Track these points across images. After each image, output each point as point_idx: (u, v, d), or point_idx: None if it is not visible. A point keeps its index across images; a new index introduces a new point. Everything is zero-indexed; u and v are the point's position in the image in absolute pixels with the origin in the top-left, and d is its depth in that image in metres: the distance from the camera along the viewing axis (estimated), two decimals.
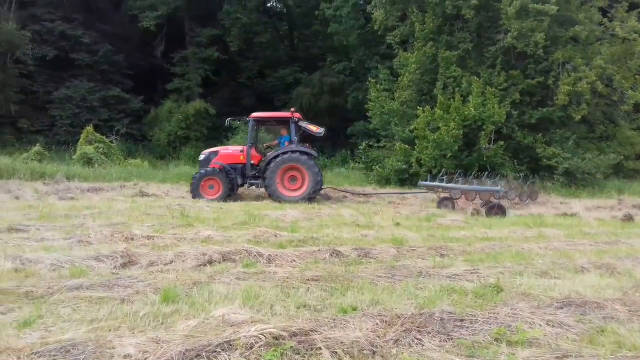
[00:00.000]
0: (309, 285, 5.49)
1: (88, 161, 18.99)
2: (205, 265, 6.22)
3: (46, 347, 3.48)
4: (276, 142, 15.50)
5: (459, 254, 7.57)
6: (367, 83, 23.84)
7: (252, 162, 14.47)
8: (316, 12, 31.17)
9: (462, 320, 4.39)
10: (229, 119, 16.35)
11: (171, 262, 6.29)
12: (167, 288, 4.97)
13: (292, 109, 15.32)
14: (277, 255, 6.79)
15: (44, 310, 4.39)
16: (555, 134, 20.51)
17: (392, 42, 23.82)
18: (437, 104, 19.48)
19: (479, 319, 4.44)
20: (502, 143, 19.46)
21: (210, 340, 3.70)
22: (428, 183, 15.00)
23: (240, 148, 14.88)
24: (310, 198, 14.01)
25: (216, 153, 14.64)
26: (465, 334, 4.15)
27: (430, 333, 4.09)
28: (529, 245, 8.41)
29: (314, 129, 14.72)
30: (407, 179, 19.63)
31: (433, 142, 18.68)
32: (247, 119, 14.88)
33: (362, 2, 30.21)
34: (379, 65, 26.24)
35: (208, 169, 14.08)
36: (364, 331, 4.02)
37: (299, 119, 14.72)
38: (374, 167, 20.69)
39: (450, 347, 3.93)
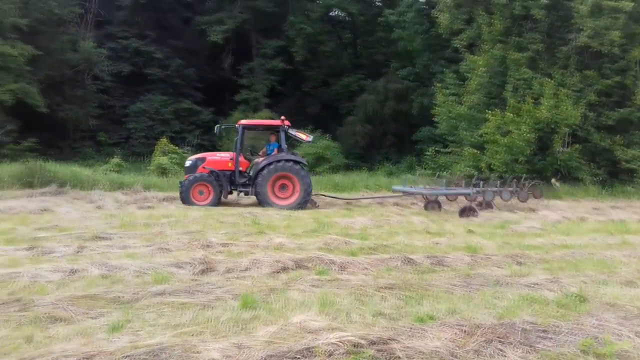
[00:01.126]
0: (383, 293, 5.47)
1: (163, 171, 19.77)
2: (279, 272, 6.33)
3: (136, 350, 3.64)
4: (264, 149, 15.12)
5: (537, 262, 7.32)
6: (432, 88, 23.53)
7: (240, 168, 14.17)
8: (379, 19, 31.15)
9: (545, 331, 4.25)
10: (217, 125, 15.89)
11: (247, 269, 6.43)
12: (245, 294, 5.09)
13: (282, 117, 15.02)
14: (349, 262, 6.81)
15: (131, 315, 4.60)
16: (635, 135, 19.46)
17: (458, 45, 23.40)
18: (508, 107, 18.95)
19: (563, 329, 4.27)
20: (577, 146, 18.66)
21: (290, 347, 3.76)
22: (401, 188, 14.84)
23: (227, 155, 14.59)
24: (300, 206, 13.84)
25: (203, 159, 14.35)
26: (549, 345, 4.01)
27: (512, 344, 3.97)
28: (612, 253, 8.02)
29: (304, 136, 14.72)
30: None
31: (504, 146, 18.18)
32: (236, 126, 14.59)
33: (425, 7, 29.92)
34: (444, 69, 25.84)
35: (197, 174, 13.83)
36: (442, 340, 3.97)
37: (289, 127, 14.56)
38: (441, 173, 20.37)
39: (534, 358, 3.80)
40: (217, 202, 13.65)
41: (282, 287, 5.55)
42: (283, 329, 4.18)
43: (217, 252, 7.38)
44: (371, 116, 29.22)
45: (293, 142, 15.38)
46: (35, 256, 6.87)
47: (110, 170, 20.01)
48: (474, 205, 13.40)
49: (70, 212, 11.81)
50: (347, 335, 3.89)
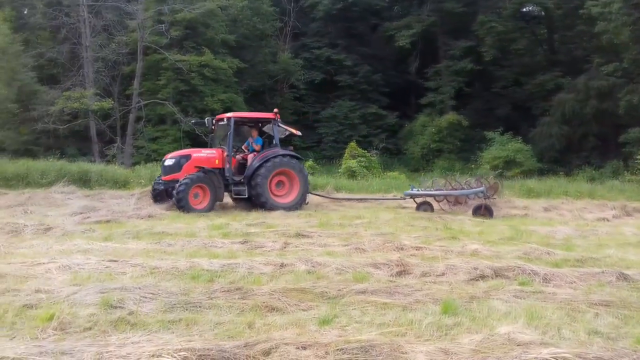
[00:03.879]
0: (596, 310, 5.02)
1: (352, 174, 20.52)
2: (477, 280, 6.16)
3: (347, 345, 3.83)
4: (244, 145, 13.81)
5: None
6: None
7: (227, 166, 12.78)
8: (580, 11, 28.59)
9: None
10: (193, 120, 14.52)
11: (443, 274, 6.37)
12: (446, 300, 5.05)
13: (275, 110, 14.02)
14: (553, 274, 6.37)
15: (337, 310, 4.86)
16: None
17: None
18: None
19: None
20: None
21: (499, 357, 3.65)
22: (413, 192, 13.65)
23: (213, 151, 13.12)
24: (298, 205, 12.92)
25: (187, 157, 12.77)
26: None
27: None
28: None
29: (293, 130, 13.82)
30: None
31: None
32: (224, 120, 13.14)
33: None
34: None
35: (193, 174, 12.23)
36: None
37: (280, 120, 13.59)
38: None
39: None
40: (213, 206, 12.44)
41: (483, 296, 5.40)
42: (489, 338, 4.07)
43: (410, 255, 7.44)
44: (569, 116, 26.96)
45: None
46: (248, 249, 7.62)
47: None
48: (488, 204, 12.49)
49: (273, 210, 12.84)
50: (562, 352, 3.65)
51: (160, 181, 12.91)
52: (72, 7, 26.16)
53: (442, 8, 31.50)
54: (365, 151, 23.43)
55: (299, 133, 14.26)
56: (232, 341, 3.98)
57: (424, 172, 26.07)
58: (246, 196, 12.63)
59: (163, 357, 3.61)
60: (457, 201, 13.73)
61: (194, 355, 3.64)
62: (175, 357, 3.61)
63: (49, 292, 5.08)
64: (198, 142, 25.94)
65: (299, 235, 8.72)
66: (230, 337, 4.15)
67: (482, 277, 6.26)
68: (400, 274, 6.37)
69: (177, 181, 12.13)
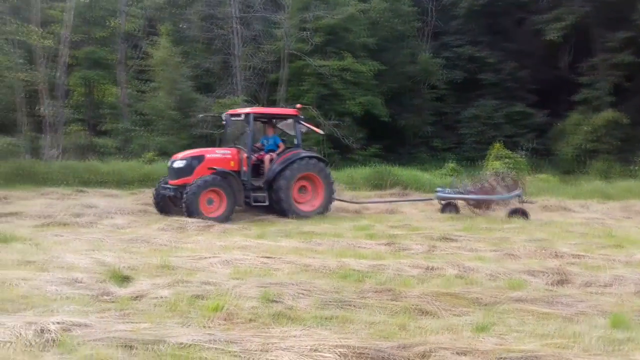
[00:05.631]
0: None
1: None
2: None
3: (509, 354, 3.69)
4: (259, 143, 12.34)
5: None
6: None
7: (244, 169, 11.31)
8: None
9: None
10: (224, 114, 12.40)
11: (608, 285, 5.89)
12: (616, 313, 4.66)
13: (298, 105, 12.40)
14: None
15: (493, 317, 4.69)
16: None
17: None
18: None
19: None
20: None
21: None
22: (446, 194, 12.37)
23: (228, 151, 11.58)
24: (322, 212, 11.58)
25: (200, 158, 11.22)
26: None
27: None
28: None
29: (315, 128, 12.39)
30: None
31: None
32: (242, 115, 11.63)
33: None
34: None
35: (206, 176, 10.75)
36: None
37: (302, 117, 12.12)
38: None
39: None
40: (231, 215, 10.86)
41: None
42: None
43: (569, 263, 6.96)
44: None
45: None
46: (394, 251, 7.63)
47: (447, 174, 20.88)
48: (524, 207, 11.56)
49: (413, 212, 12.76)
50: None
51: (168, 186, 11.29)
52: (224, 20, 28.09)
53: None
54: (512, 152, 22.30)
55: (321, 131, 13.12)
56: (387, 342, 4.02)
57: (577, 175, 24.27)
58: (267, 203, 11.28)
59: (322, 352, 3.75)
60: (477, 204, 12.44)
61: (351, 353, 3.73)
62: (333, 353, 3.73)
63: (215, 285, 5.50)
64: (340, 145, 26.58)
65: (444, 238, 8.55)
66: (384, 338, 4.19)
67: None
68: (559, 282, 6.00)
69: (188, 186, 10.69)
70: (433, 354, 3.75)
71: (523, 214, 11.38)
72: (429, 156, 30.15)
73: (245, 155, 11.31)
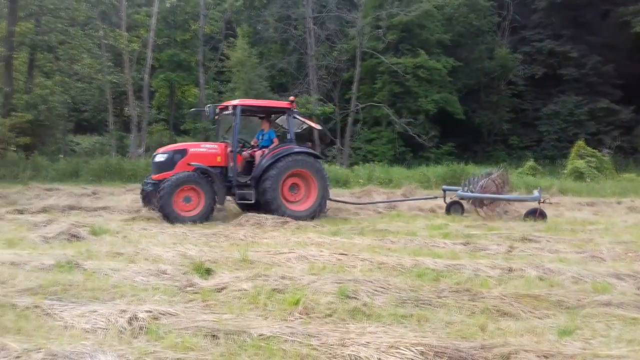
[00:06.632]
0: None
1: (579, 175, 18.84)
2: None
3: (595, 359, 3.55)
4: (254, 139, 11.71)
5: None
6: None
7: (231, 164, 10.68)
8: None
9: None
10: (207, 106, 11.29)
11: None
12: None
13: (292, 98, 11.52)
14: None
15: (578, 321, 4.52)
16: None
17: None
18: None
19: None
20: None
21: None
22: (466, 194, 11.71)
23: (215, 146, 10.98)
24: (315, 213, 10.68)
25: (183, 152, 10.56)
26: None
27: None
28: None
29: (313, 124, 11.46)
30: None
31: None
32: (230, 108, 10.79)
33: None
34: None
35: (180, 173, 10.10)
36: None
37: (296, 111, 11.24)
38: None
39: None
40: (210, 214, 10.24)
41: None
42: None
43: None
44: None
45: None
46: (471, 251, 7.49)
47: (525, 173, 20.22)
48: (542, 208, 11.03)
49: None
50: None
51: (150, 181, 10.85)
52: (299, 20, 28.51)
53: None
54: (596, 150, 21.26)
55: (319, 127, 12.33)
56: (467, 342, 3.96)
57: None
58: (252, 201, 10.61)
59: (400, 349, 3.76)
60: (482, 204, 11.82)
61: (430, 351, 3.71)
62: (412, 350, 3.73)
63: (292, 279, 5.62)
64: (412, 143, 26.32)
65: (524, 239, 8.29)
66: (463, 338, 4.13)
67: None
68: None
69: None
70: (515, 356, 3.66)
71: (541, 215, 10.87)
72: (505, 154, 29.30)
73: (230, 150, 10.77)
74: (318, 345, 3.88)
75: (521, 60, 30.49)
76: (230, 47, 27.96)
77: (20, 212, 10.51)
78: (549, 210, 11.52)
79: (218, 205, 10.55)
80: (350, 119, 27.70)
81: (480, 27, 30.23)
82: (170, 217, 9.72)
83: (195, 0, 28.39)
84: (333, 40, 28.45)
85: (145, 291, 5.27)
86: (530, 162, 21.85)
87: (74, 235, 7.96)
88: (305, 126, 11.76)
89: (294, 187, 10.91)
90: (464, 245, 7.88)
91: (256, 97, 25.63)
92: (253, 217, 9.90)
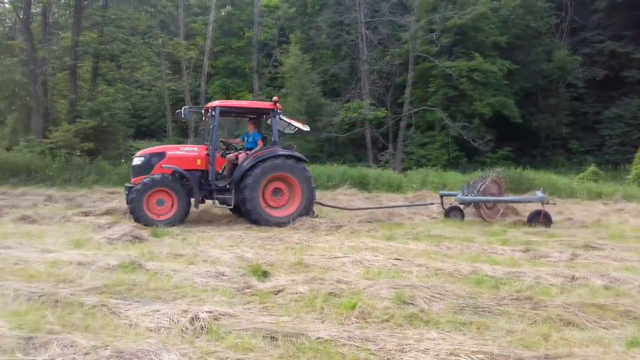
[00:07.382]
0: None
1: None
2: None
3: None
4: (238, 140, 11.35)
5: None
6: None
7: (210, 167, 10.29)
8: None
9: None
10: (184, 107, 10.98)
11: None
12: None
13: (275, 98, 10.89)
14: None
15: None
16: None
17: None
18: None
19: None
20: None
21: None
22: (467, 197, 11.40)
23: (195, 149, 10.64)
24: (299, 217, 10.09)
25: (161, 155, 10.29)
26: None
27: None
28: None
29: (300, 125, 10.70)
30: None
31: None
32: (209, 109, 10.52)
33: None
34: None
35: (153, 175, 9.89)
36: None
37: (281, 112, 10.73)
38: None
39: None
40: (184, 217, 10.05)
41: None
42: None
43: None
44: None
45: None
46: (531, 259, 7.29)
47: (587, 178, 19.52)
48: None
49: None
50: None
51: (129, 185, 10.55)
52: (351, 25, 28.57)
53: None
54: None
55: (307, 128, 11.81)
56: (529, 351, 3.86)
57: None
58: (231, 205, 10.35)
59: (461, 357, 3.70)
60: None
61: None
62: (472, 358, 3.67)
63: (348, 284, 5.63)
64: (467, 147, 25.86)
65: (587, 247, 8.00)
66: (525, 347, 4.03)
67: None
68: None
69: None
70: None
71: (545, 217, 10.51)
72: (565, 159, 28.38)
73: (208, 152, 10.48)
74: (376, 350, 3.87)
75: (581, 62, 29.49)
76: (283, 53, 28.31)
77: (86, 214, 10.94)
78: (553, 214, 11.12)
79: (194, 209, 10.45)
80: (402, 123, 27.49)
81: (538, 28, 29.43)
82: (141, 220, 9.59)
83: (250, 8, 28.92)
84: (385, 44, 28.34)
85: (205, 292, 5.39)
86: (592, 167, 21.07)
87: (136, 237, 8.23)
88: (293, 127, 11.25)
89: (277, 191, 10.51)
90: (524, 252, 7.69)
91: (309, 102, 25.87)
92: (307, 221, 9.97)
